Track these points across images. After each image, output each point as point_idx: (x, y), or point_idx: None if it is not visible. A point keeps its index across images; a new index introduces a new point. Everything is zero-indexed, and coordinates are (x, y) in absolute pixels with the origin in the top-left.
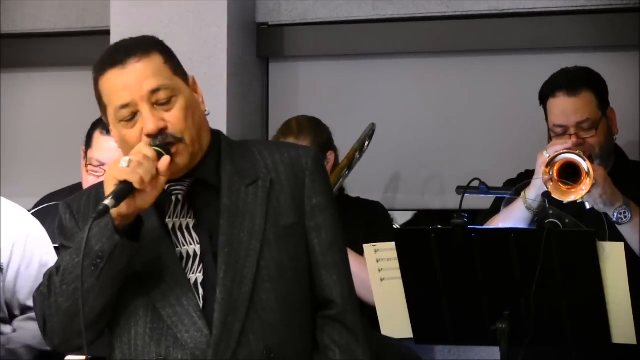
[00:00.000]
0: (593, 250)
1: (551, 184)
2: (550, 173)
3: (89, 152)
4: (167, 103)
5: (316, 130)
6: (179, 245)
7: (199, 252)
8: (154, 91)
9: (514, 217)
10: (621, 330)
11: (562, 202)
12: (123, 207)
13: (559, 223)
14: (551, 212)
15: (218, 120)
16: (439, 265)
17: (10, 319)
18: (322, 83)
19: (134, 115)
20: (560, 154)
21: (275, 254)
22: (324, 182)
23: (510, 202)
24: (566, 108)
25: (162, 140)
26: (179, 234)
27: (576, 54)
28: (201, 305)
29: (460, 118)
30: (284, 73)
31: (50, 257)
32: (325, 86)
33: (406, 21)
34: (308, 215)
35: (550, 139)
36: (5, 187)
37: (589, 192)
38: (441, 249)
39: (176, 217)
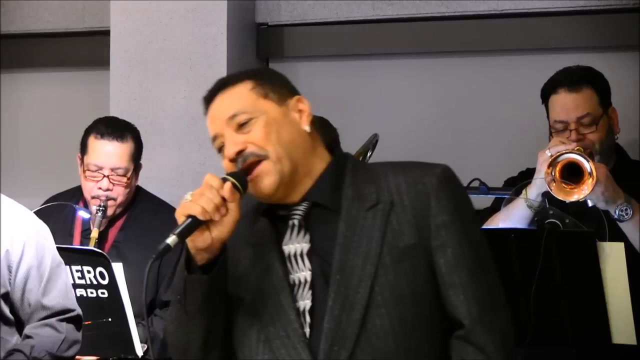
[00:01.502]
0: (593, 250)
1: (554, 184)
2: (553, 173)
3: (85, 158)
4: (246, 125)
5: (322, 130)
6: (292, 272)
7: (309, 279)
8: (232, 117)
9: (514, 215)
10: (621, 331)
11: (564, 201)
12: (198, 241)
13: (559, 223)
14: (551, 212)
15: None
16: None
17: (15, 319)
18: (321, 83)
19: (222, 144)
20: (563, 153)
21: (392, 277)
22: (450, 198)
23: (510, 202)
24: (567, 104)
25: (243, 162)
26: (293, 260)
27: (576, 54)
28: (308, 333)
29: (460, 118)
30: (284, 73)
31: (59, 257)
32: (325, 86)
33: (406, 21)
34: (433, 235)
35: (550, 136)
36: (5, 187)
37: (591, 191)
38: None
39: (292, 243)
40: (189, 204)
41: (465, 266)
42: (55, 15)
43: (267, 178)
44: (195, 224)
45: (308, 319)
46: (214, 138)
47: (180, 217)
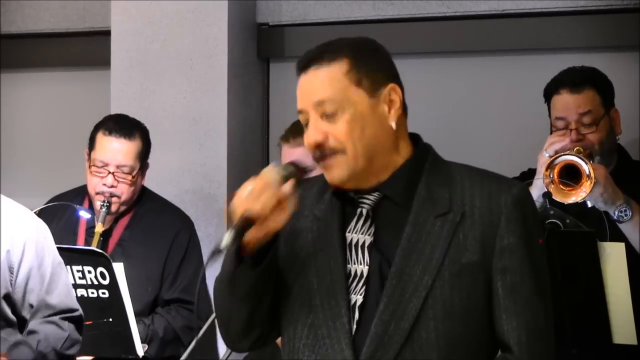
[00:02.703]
0: (594, 250)
1: (552, 186)
2: (551, 176)
3: (92, 153)
4: (332, 116)
5: None
6: (350, 262)
7: (365, 274)
8: (320, 103)
9: None
10: (622, 331)
11: (563, 202)
12: (253, 232)
13: (559, 223)
14: (552, 212)
15: (218, 120)
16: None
17: (17, 319)
18: None
19: (307, 121)
20: (560, 155)
21: (447, 291)
22: (521, 222)
23: None
24: (569, 103)
25: (319, 154)
26: (353, 250)
27: (576, 54)
28: (354, 329)
29: (461, 118)
30: (285, 73)
31: (59, 257)
32: None
33: (406, 21)
34: (496, 256)
35: (550, 134)
36: (5, 187)
37: (589, 193)
38: None
39: (355, 232)
40: (245, 201)
41: (523, 293)
42: (56, 16)
43: (338, 170)
44: (251, 223)
45: (357, 315)
46: (299, 111)
47: (238, 210)
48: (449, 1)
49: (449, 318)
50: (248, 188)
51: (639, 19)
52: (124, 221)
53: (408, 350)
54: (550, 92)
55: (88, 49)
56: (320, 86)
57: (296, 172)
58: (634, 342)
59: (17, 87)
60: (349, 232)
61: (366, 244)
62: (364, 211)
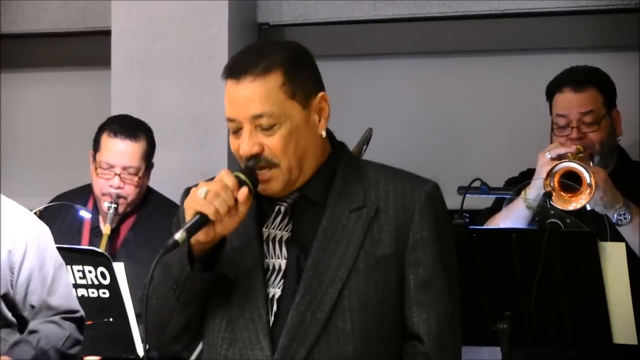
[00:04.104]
0: (594, 250)
1: (553, 193)
2: (552, 184)
3: (98, 155)
4: (268, 129)
5: None
6: (267, 257)
7: (283, 267)
8: (256, 117)
9: (513, 215)
10: (622, 331)
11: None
12: (201, 236)
13: (560, 223)
14: (552, 212)
15: (219, 121)
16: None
17: (17, 320)
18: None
19: (239, 129)
20: (560, 162)
21: (362, 283)
22: (433, 217)
23: (511, 202)
24: (571, 102)
25: (254, 164)
26: (270, 245)
27: (577, 54)
28: (271, 322)
29: (461, 118)
30: None
31: (60, 258)
32: (326, 86)
33: (407, 21)
34: (409, 250)
35: (552, 132)
36: (5, 187)
37: (589, 200)
38: None
39: (273, 228)
40: (202, 202)
41: (433, 287)
42: (57, 16)
43: (273, 184)
44: (205, 222)
45: (275, 307)
46: (230, 119)
47: (189, 211)
48: (449, 1)
49: (364, 309)
50: (204, 189)
51: (639, 19)
52: (128, 222)
53: (324, 341)
54: (552, 90)
55: (88, 48)
56: (258, 100)
57: (252, 179)
58: (634, 342)
59: (18, 87)
60: (266, 227)
61: (284, 239)
62: (282, 209)
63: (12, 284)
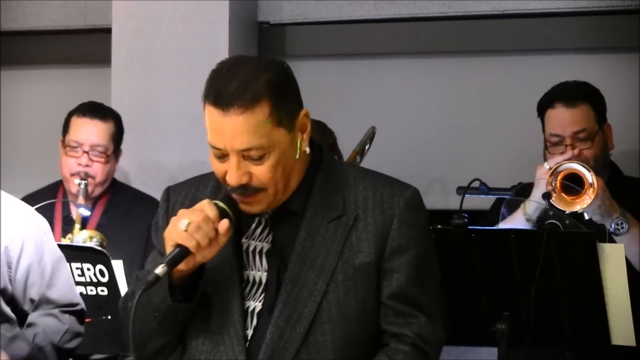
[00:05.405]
0: (593, 251)
1: (554, 194)
2: (554, 184)
3: (67, 137)
4: (258, 159)
5: (321, 135)
6: (247, 269)
7: (264, 280)
8: (245, 150)
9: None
10: (620, 332)
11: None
12: (181, 265)
13: (559, 224)
14: (551, 213)
15: None
16: (438, 266)
17: (16, 314)
18: (323, 83)
19: (224, 155)
20: (564, 163)
21: (341, 295)
22: (412, 225)
23: (510, 203)
24: (564, 119)
25: (242, 193)
26: (250, 257)
27: (577, 55)
28: (250, 335)
29: (462, 118)
30: None
31: (59, 252)
32: (326, 86)
33: (408, 21)
34: (386, 257)
35: (545, 150)
36: (5, 184)
37: (591, 202)
38: (441, 249)
39: (253, 239)
40: (183, 235)
41: (405, 297)
42: (57, 13)
43: (258, 206)
44: (186, 255)
45: (255, 321)
46: (216, 148)
47: (169, 242)
48: (450, 1)
49: (345, 320)
50: (185, 221)
51: (639, 21)
52: (99, 207)
53: (304, 354)
54: (544, 106)
55: (89, 46)
56: (247, 134)
57: (233, 208)
58: (633, 343)
59: (18, 85)
60: (246, 238)
61: (264, 251)
62: (263, 220)
63: (10, 279)
